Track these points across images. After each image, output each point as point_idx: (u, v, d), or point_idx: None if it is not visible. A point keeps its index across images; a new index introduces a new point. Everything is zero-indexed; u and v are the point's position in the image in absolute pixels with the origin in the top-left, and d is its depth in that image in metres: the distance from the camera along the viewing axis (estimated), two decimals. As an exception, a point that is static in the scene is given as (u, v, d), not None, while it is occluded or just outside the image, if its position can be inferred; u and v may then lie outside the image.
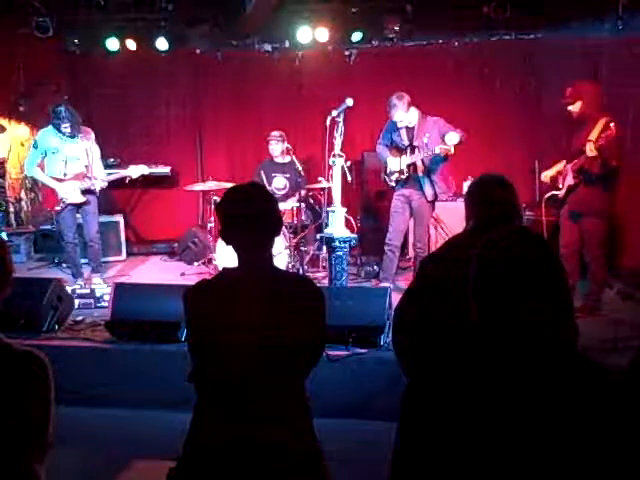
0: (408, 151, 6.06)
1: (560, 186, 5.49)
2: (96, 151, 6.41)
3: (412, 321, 2.57)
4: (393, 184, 6.24)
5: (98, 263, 6.65)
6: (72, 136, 6.21)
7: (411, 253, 7.53)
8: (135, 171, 6.62)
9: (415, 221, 6.32)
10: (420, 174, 6.04)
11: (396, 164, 6.13)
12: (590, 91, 5.28)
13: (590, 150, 5.01)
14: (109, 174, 6.65)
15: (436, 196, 6.09)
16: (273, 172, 7.29)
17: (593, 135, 5.11)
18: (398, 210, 6.21)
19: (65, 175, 6.26)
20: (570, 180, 5.32)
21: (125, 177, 6.63)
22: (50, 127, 6.24)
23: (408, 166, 6.06)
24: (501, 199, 2.63)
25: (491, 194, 2.63)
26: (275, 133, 7.27)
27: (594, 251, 5.34)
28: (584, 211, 5.29)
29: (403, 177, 6.12)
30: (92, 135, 6.35)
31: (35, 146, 6.31)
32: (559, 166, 5.54)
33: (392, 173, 6.18)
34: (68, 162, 6.27)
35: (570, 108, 5.24)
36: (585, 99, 5.20)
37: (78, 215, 6.46)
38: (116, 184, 6.79)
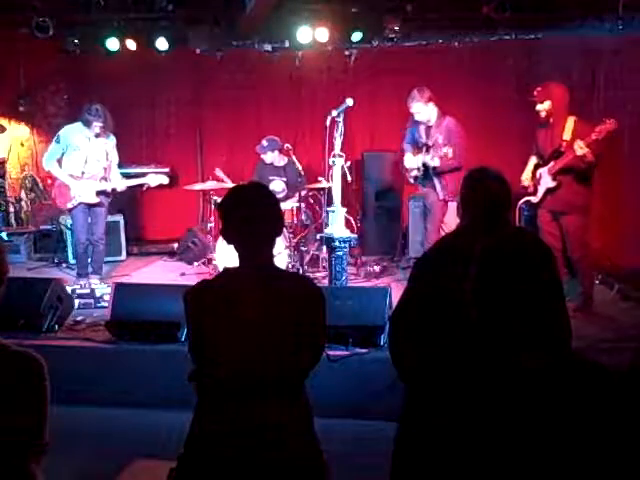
0: (424, 149, 6.07)
1: (531, 190, 5.46)
2: (114, 157, 6.46)
3: (409, 324, 2.53)
4: (412, 180, 6.30)
5: (100, 265, 6.65)
6: (97, 136, 6.23)
7: (411, 253, 7.54)
8: (154, 180, 6.61)
9: (427, 219, 6.33)
10: (432, 172, 6.04)
11: (413, 161, 6.15)
12: (559, 92, 5.28)
13: (580, 147, 4.99)
14: (126, 176, 6.67)
15: (445, 198, 6.06)
16: (269, 175, 7.22)
17: (567, 135, 5.13)
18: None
19: (83, 174, 6.27)
20: (549, 183, 5.29)
21: (143, 184, 6.63)
22: (78, 124, 6.24)
23: (424, 164, 6.07)
24: (497, 197, 2.60)
25: (488, 192, 2.60)
26: (264, 143, 7.13)
27: (579, 250, 5.34)
28: (566, 209, 5.27)
29: (420, 174, 6.14)
30: (114, 141, 6.42)
31: (57, 141, 6.27)
32: (531, 165, 5.53)
33: (410, 170, 6.21)
34: (88, 161, 6.29)
35: (538, 107, 5.24)
36: (554, 99, 5.21)
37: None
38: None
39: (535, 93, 5.24)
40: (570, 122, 5.17)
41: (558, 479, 1.40)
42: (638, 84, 6.76)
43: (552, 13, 6.91)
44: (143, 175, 6.80)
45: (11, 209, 8.39)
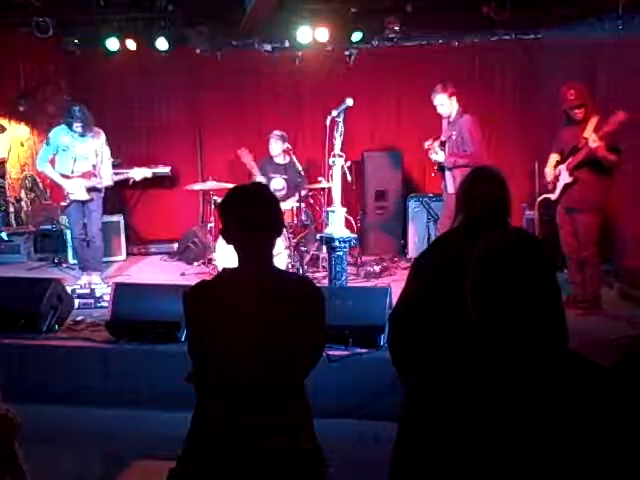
0: (445, 144, 6.09)
1: (550, 187, 5.47)
2: (106, 152, 6.59)
3: (408, 323, 2.53)
4: (433, 174, 6.39)
5: (98, 260, 6.70)
6: (82, 135, 6.40)
7: (411, 253, 7.55)
8: (138, 173, 6.78)
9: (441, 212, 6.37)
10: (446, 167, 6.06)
11: (439, 156, 6.13)
12: (589, 94, 5.29)
13: (594, 141, 5.00)
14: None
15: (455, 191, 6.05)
16: (272, 172, 7.26)
17: (587, 132, 5.13)
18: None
19: (72, 172, 6.43)
20: (566, 179, 5.31)
21: (129, 179, 6.79)
22: (63, 125, 6.46)
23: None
24: (493, 196, 2.59)
25: (484, 191, 2.59)
26: (277, 132, 7.27)
27: (590, 249, 5.33)
28: (580, 207, 5.27)
29: (437, 167, 6.17)
30: (103, 136, 6.55)
31: (48, 143, 6.51)
32: (552, 160, 5.53)
33: (435, 162, 6.20)
34: (77, 160, 6.45)
35: (576, 110, 5.21)
36: (588, 101, 5.22)
37: None
38: (119, 184, 6.93)
39: (571, 97, 5.19)
40: (593, 121, 5.16)
41: (554, 477, 1.40)
42: (638, 84, 6.75)
43: (552, 13, 6.91)
44: (125, 169, 6.96)
45: (11, 209, 8.39)
